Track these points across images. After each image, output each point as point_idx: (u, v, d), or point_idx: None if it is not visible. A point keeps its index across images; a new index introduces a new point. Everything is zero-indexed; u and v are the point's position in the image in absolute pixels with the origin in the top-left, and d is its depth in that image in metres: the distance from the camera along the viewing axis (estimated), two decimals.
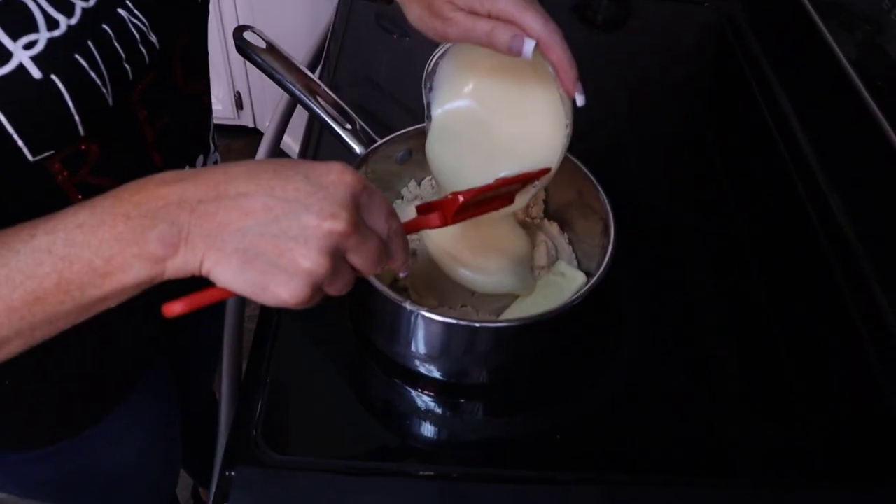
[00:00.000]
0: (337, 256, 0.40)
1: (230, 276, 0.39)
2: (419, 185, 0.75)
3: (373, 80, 1.04)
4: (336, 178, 0.41)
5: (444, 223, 0.52)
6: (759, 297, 0.79)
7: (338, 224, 0.39)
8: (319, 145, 0.88)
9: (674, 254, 0.83)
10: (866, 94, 0.82)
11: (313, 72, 1.09)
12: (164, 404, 0.85)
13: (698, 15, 1.22)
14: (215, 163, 0.75)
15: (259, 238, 0.39)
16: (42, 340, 0.42)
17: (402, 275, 0.49)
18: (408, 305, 0.55)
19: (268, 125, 1.00)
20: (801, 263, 0.85)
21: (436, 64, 0.61)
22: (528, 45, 0.51)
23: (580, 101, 0.54)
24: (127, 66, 0.51)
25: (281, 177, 0.40)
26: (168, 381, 0.85)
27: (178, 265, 0.40)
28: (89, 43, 0.47)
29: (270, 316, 0.70)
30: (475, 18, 0.53)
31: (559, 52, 0.52)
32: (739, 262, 0.83)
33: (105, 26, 0.49)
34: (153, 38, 0.53)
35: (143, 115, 0.56)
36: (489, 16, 0.53)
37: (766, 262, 0.83)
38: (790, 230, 0.89)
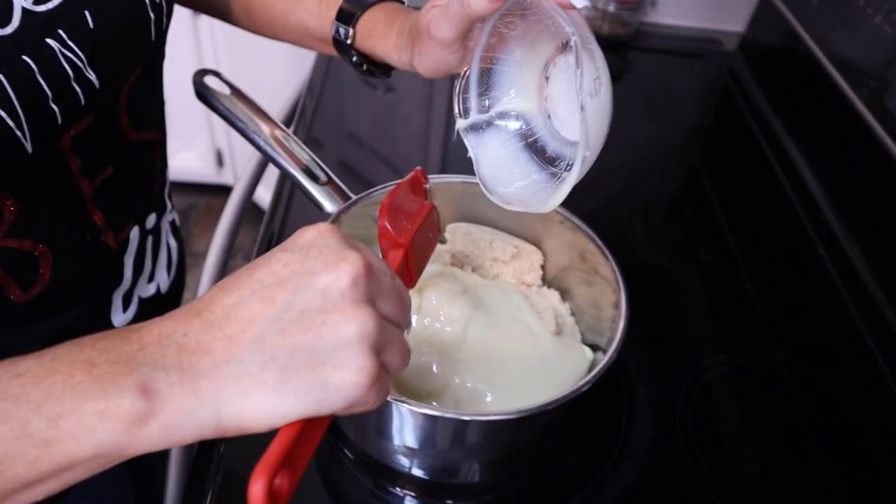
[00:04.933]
0: (372, 305, 0.33)
1: (275, 401, 0.30)
2: None
3: (355, 137, 0.97)
4: (312, 233, 0.34)
5: (404, 249, 0.45)
6: (778, 370, 0.71)
7: (353, 265, 0.33)
8: (291, 201, 0.79)
9: (682, 323, 0.75)
10: (890, 143, 0.75)
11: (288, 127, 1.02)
12: (116, 489, 0.75)
13: (697, 68, 1.17)
14: (171, 223, 0.67)
15: (281, 335, 0.31)
16: None
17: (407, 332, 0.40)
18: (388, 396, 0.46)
19: (239, 177, 0.92)
20: (824, 328, 0.77)
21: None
22: None
23: (579, 3, 0.44)
24: (54, 107, 0.44)
25: (259, 267, 0.33)
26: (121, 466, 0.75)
27: (175, 420, 0.30)
28: (1, 77, 0.39)
29: None
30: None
31: None
32: (754, 330, 0.75)
33: (26, 58, 0.41)
34: (91, 76, 0.46)
35: (76, 166, 0.48)
36: None
37: (784, 329, 0.75)
38: (809, 293, 0.81)
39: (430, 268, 0.63)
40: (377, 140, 0.97)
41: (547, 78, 0.52)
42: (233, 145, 1.94)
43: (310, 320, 0.31)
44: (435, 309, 0.57)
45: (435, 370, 0.54)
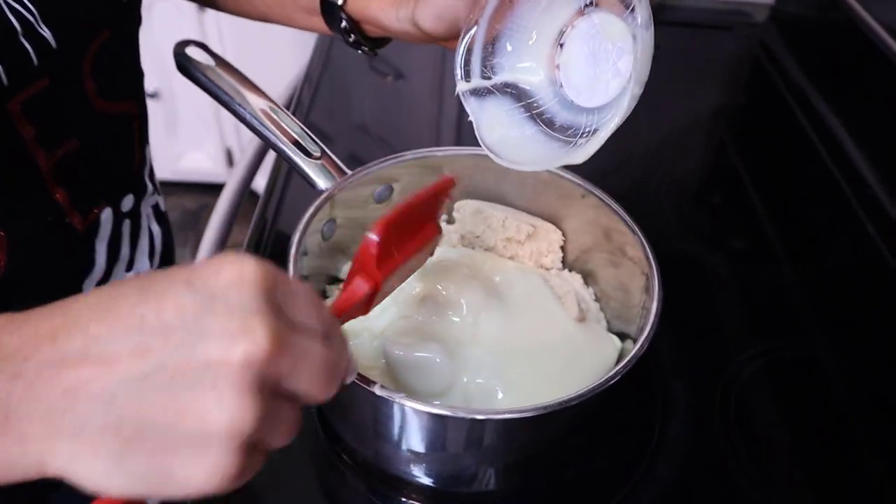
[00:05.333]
0: (268, 391, 0.26)
1: (103, 474, 0.25)
2: None
3: (363, 126, 0.91)
4: (232, 275, 0.27)
5: (375, 285, 0.37)
6: (820, 359, 0.64)
7: (256, 342, 0.25)
8: (288, 184, 0.74)
9: (718, 311, 0.68)
10: None
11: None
12: None
13: (725, 42, 1.10)
14: (155, 207, 0.61)
15: (138, 399, 0.25)
16: None
17: (348, 380, 0.34)
18: (377, 391, 0.39)
19: (235, 166, 0.86)
20: (873, 317, 0.69)
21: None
22: None
23: None
24: None
25: (151, 295, 0.26)
26: None
27: None
28: None
29: None
30: None
31: None
32: (796, 319, 0.68)
33: None
34: (46, 33, 0.41)
35: (29, 134, 0.43)
36: None
37: (829, 317, 0.68)
38: (857, 276, 0.74)
39: (437, 251, 0.57)
40: (386, 131, 0.91)
41: (561, 45, 0.47)
42: (243, 143, 1.89)
43: (177, 393, 0.25)
44: (441, 297, 0.51)
45: (439, 368, 0.47)
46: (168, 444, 0.25)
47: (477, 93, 0.49)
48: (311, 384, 0.28)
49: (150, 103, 0.57)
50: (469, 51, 0.48)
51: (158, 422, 0.25)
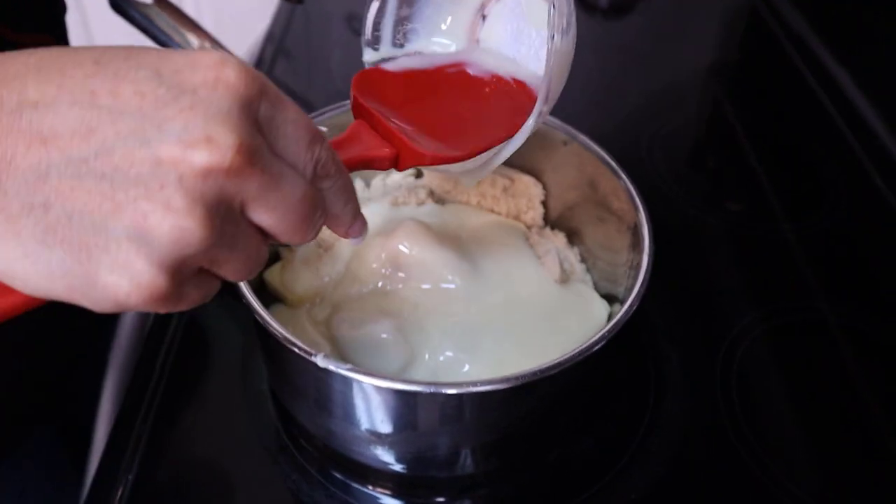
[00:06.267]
0: (224, 212, 0.24)
1: (18, 258, 0.23)
2: (368, 186, 0.54)
3: (341, 92, 0.85)
4: (209, 74, 0.23)
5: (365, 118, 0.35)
6: (830, 323, 0.58)
7: (220, 151, 0.23)
8: None
9: (714, 277, 0.63)
10: None
11: None
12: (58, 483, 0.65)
13: None
14: None
15: (73, 184, 0.22)
16: None
17: (353, 242, 0.32)
18: (320, 361, 0.34)
19: None
20: (881, 274, 0.64)
21: None
22: None
23: None
24: None
25: (109, 70, 0.23)
26: (61, 455, 0.65)
27: None
28: None
29: (149, 372, 0.49)
30: None
31: None
32: (797, 281, 0.62)
33: None
34: None
35: None
36: None
37: (834, 279, 0.63)
38: (867, 235, 0.68)
39: (405, 210, 0.51)
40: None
41: (484, 17, 0.42)
42: None
43: (119, 189, 0.22)
44: (404, 258, 0.45)
45: (391, 347, 0.41)
46: (96, 241, 0.22)
47: (390, 63, 0.42)
48: (282, 218, 0.25)
49: None
50: (380, 12, 0.42)
51: (90, 212, 0.22)
